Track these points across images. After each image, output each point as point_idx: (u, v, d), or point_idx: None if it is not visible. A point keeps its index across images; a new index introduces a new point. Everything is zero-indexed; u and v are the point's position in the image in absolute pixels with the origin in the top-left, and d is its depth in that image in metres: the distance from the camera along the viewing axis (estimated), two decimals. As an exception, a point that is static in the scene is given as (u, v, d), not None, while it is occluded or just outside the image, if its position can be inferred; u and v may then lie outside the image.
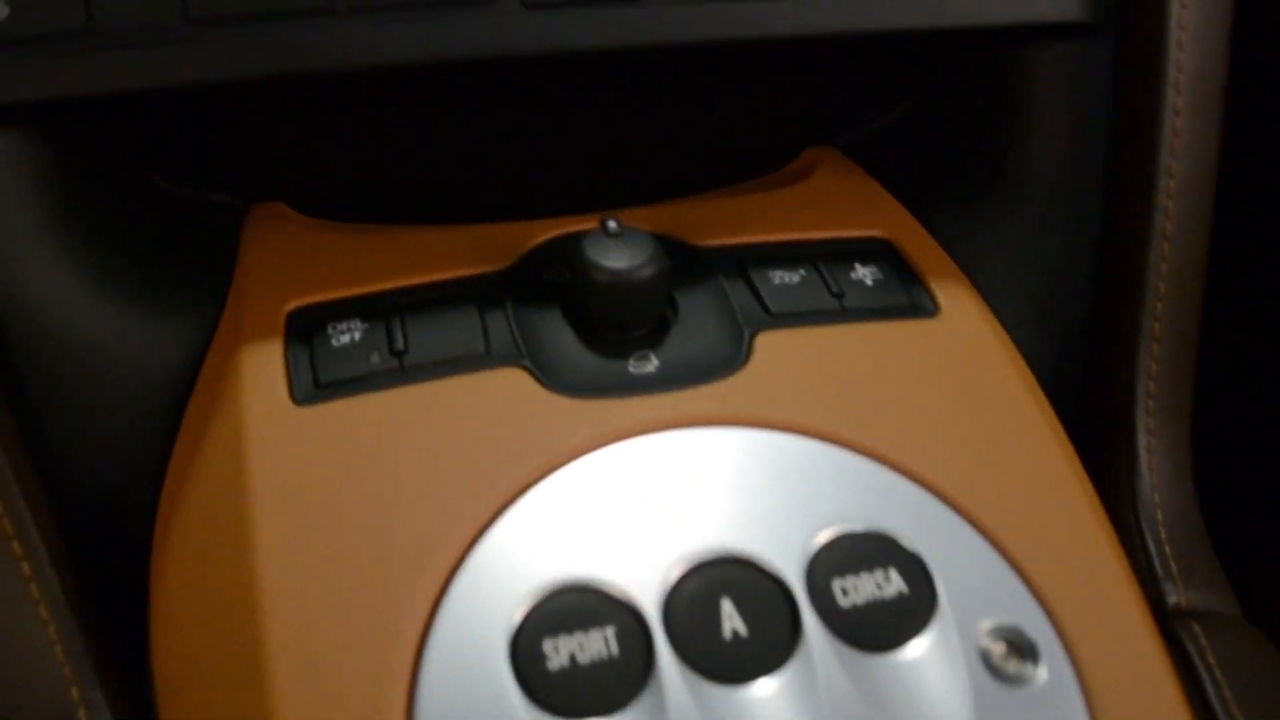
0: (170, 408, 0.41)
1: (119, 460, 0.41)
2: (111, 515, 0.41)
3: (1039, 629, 0.35)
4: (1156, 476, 0.48)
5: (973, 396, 0.41)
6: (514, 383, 0.39)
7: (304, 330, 0.41)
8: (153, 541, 0.39)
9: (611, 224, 0.41)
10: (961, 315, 0.44)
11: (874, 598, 0.35)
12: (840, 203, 0.49)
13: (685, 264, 0.44)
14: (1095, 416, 0.49)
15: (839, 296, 0.43)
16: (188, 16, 0.39)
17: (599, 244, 0.40)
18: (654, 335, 0.41)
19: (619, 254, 0.40)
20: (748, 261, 0.44)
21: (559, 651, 0.33)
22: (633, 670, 0.33)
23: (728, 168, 0.54)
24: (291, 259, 0.44)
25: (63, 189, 0.42)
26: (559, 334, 0.41)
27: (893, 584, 0.35)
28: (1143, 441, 0.48)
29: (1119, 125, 0.48)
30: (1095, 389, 0.49)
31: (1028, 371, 0.44)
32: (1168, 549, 0.46)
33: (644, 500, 0.37)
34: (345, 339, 0.40)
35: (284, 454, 0.37)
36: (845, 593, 0.35)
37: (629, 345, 0.41)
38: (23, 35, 0.38)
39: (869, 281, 0.44)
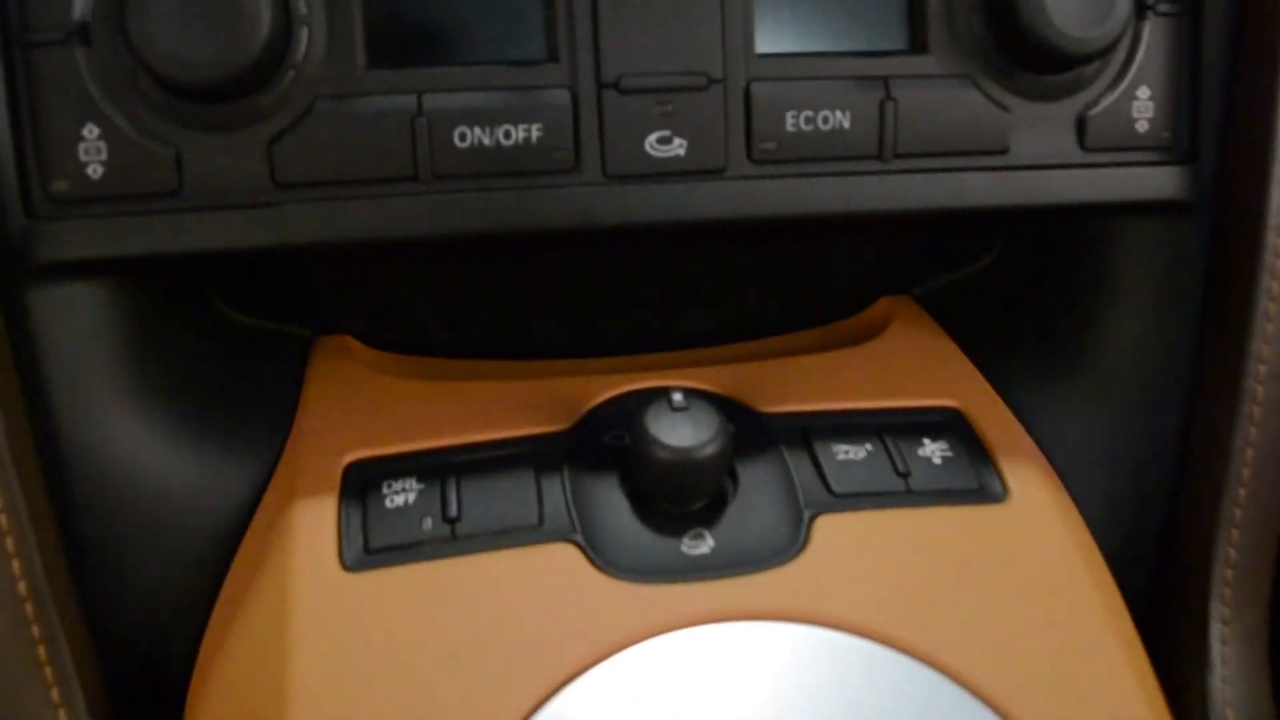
0: (220, 555, 0.42)
1: (164, 608, 0.41)
2: (151, 664, 0.41)
3: None
4: (1230, 669, 0.46)
5: (1039, 598, 0.40)
6: (564, 560, 0.38)
7: (359, 487, 0.41)
8: (188, 697, 0.40)
9: (676, 396, 0.40)
10: (1031, 501, 0.42)
11: (919, 829, 0.34)
12: (912, 365, 0.48)
13: (748, 432, 0.43)
14: (1168, 601, 0.47)
15: (905, 476, 0.42)
16: (275, 181, 0.40)
17: (662, 417, 0.39)
18: (712, 509, 0.41)
19: (682, 430, 0.39)
20: (812, 432, 0.43)
21: None
22: None
23: (801, 313, 0.54)
24: (353, 404, 0.45)
25: (133, 325, 0.42)
26: (614, 505, 0.40)
27: (940, 813, 0.34)
28: (1216, 631, 0.46)
29: (1210, 306, 0.46)
30: (1170, 572, 0.48)
31: (1099, 564, 0.42)
32: (1239, 753, 0.44)
33: (684, 699, 0.36)
34: (400, 500, 0.40)
35: (328, 623, 0.37)
36: (889, 822, 0.34)
37: (685, 520, 0.40)
38: (114, 194, 0.39)
39: (937, 459, 0.43)
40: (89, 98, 0.39)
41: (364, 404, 0.44)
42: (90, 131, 0.39)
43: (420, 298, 0.51)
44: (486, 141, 0.40)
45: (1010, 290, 0.52)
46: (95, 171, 0.39)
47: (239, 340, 0.48)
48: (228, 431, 0.44)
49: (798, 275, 0.54)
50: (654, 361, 0.50)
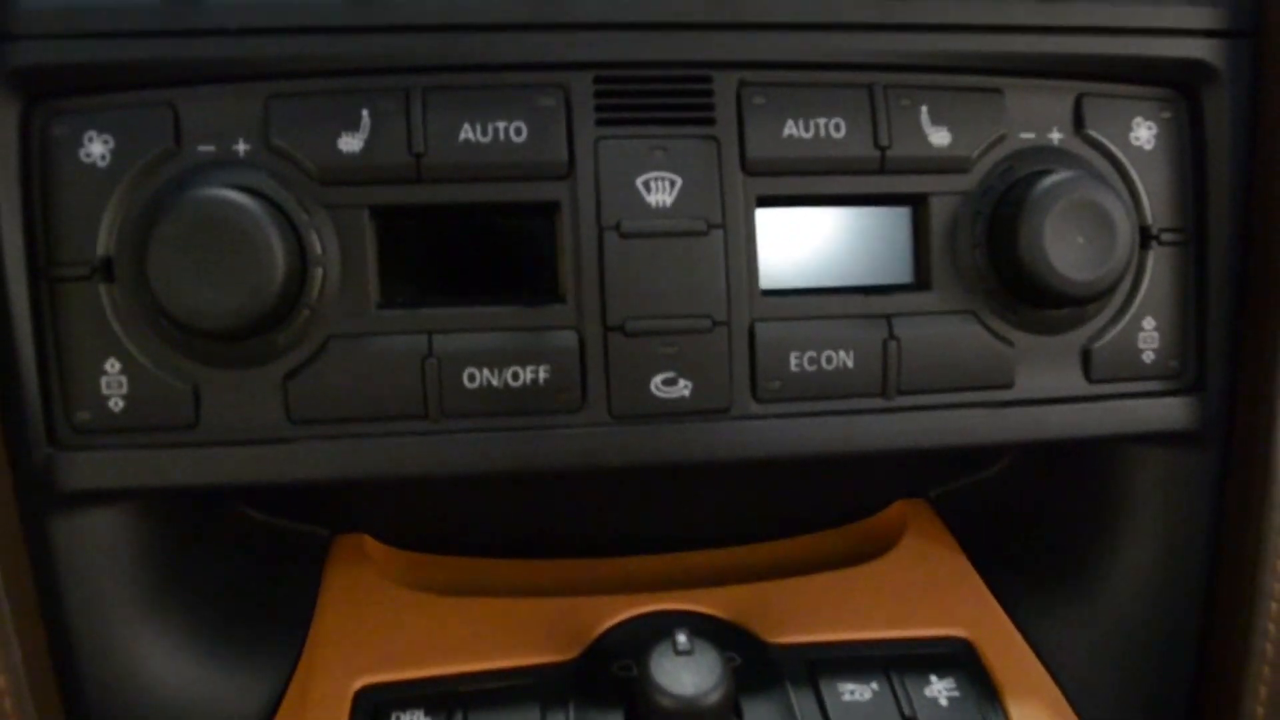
0: None
1: None
2: None
3: None
4: None
5: None
6: (565, 812, 0.38)
7: (368, 716, 0.41)
8: None
9: (681, 639, 0.40)
10: (1039, 748, 0.42)
11: None
12: (923, 588, 0.48)
13: (755, 666, 0.43)
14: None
15: (910, 720, 0.42)
16: (290, 417, 0.40)
17: (665, 660, 0.40)
18: None
19: (686, 678, 0.39)
20: (819, 667, 0.43)
21: None
22: None
23: (817, 514, 0.54)
24: (366, 621, 0.45)
25: (151, 545, 0.43)
26: (618, 746, 0.40)
27: None
28: None
29: (1222, 535, 0.46)
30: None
31: None
32: None
33: None
34: None
35: None
36: None
37: None
38: (135, 426, 0.40)
39: (944, 700, 0.42)
40: (111, 333, 0.40)
41: (377, 621, 0.45)
42: (112, 366, 0.40)
43: (435, 500, 0.52)
44: (495, 382, 0.41)
45: (1023, 501, 0.52)
46: (116, 405, 0.40)
47: (258, 543, 0.49)
48: (243, 646, 0.44)
49: (813, 480, 0.54)
50: (665, 570, 0.50)
